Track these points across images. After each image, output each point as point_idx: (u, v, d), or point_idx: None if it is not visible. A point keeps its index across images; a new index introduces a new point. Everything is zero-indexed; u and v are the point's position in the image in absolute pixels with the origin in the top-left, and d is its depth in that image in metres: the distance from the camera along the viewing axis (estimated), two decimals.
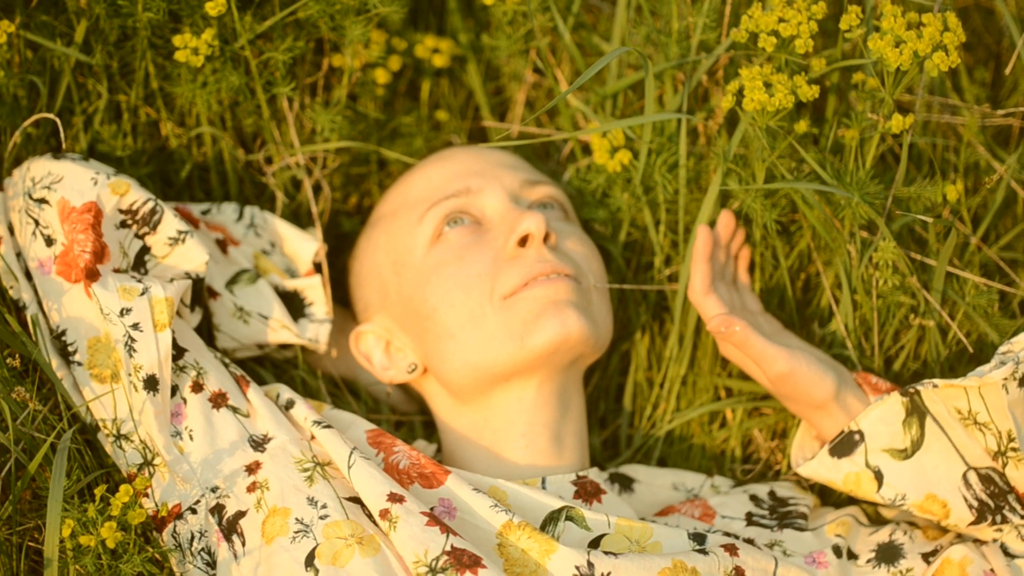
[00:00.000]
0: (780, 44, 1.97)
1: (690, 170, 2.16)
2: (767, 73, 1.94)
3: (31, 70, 2.14)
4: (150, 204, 2.04)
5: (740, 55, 2.18)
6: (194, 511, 1.93)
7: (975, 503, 1.96)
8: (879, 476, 1.99)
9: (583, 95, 2.26)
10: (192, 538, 1.92)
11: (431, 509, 1.91)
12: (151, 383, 1.94)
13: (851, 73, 2.15)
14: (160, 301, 1.96)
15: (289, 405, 2.02)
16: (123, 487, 1.84)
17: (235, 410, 1.98)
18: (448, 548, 1.84)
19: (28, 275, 2.03)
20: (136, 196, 2.04)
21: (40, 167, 2.04)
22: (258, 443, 1.96)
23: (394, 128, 2.36)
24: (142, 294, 1.96)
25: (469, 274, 2.05)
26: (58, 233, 1.99)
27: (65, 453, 1.82)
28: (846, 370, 2.07)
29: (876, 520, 2.10)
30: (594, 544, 1.93)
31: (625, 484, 2.12)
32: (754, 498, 2.10)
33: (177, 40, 2.08)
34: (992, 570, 1.96)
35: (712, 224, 2.14)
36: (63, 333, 1.98)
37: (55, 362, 1.99)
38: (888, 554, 2.00)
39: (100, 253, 1.98)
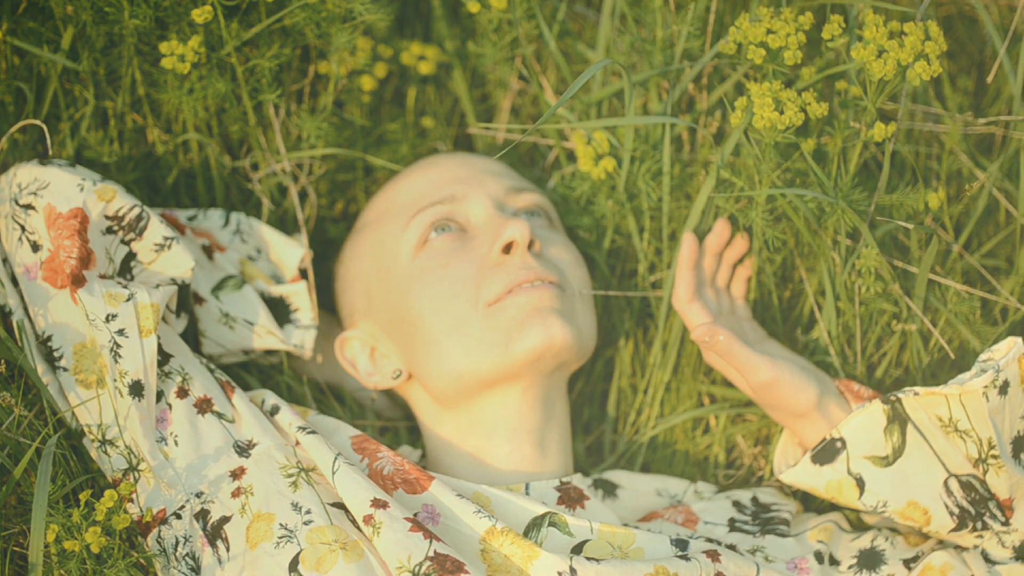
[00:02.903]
0: (768, 55, 1.98)
1: (674, 177, 2.16)
2: (776, 89, 1.94)
3: (18, 76, 2.15)
4: (136, 210, 2.04)
5: (725, 63, 2.19)
6: (179, 516, 1.93)
7: (956, 510, 1.97)
8: (861, 483, 2.00)
9: (568, 103, 2.27)
10: (177, 543, 1.92)
11: (415, 515, 1.92)
12: (136, 389, 1.94)
13: (833, 81, 2.16)
14: (146, 307, 1.96)
15: (274, 411, 2.02)
16: (108, 492, 1.84)
17: (220, 416, 1.99)
18: (431, 554, 1.84)
19: (14, 280, 2.03)
20: (122, 202, 2.04)
21: (27, 173, 2.04)
22: (243, 449, 1.97)
23: (380, 135, 2.37)
24: (128, 300, 1.96)
25: (454, 281, 2.06)
26: (44, 239, 1.99)
27: (50, 458, 1.83)
28: (828, 378, 2.08)
29: (858, 526, 2.10)
30: (577, 550, 1.94)
31: (609, 490, 2.13)
32: (737, 504, 2.11)
33: (164, 47, 2.08)
34: None
35: (707, 232, 2.15)
36: (49, 339, 1.98)
37: (41, 367, 1.99)
38: (870, 560, 2.01)
39: (86, 259, 1.98)
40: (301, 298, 2.18)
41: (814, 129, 2.05)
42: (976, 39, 2.49)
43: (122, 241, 2.04)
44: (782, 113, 1.93)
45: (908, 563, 2.00)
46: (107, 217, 2.03)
